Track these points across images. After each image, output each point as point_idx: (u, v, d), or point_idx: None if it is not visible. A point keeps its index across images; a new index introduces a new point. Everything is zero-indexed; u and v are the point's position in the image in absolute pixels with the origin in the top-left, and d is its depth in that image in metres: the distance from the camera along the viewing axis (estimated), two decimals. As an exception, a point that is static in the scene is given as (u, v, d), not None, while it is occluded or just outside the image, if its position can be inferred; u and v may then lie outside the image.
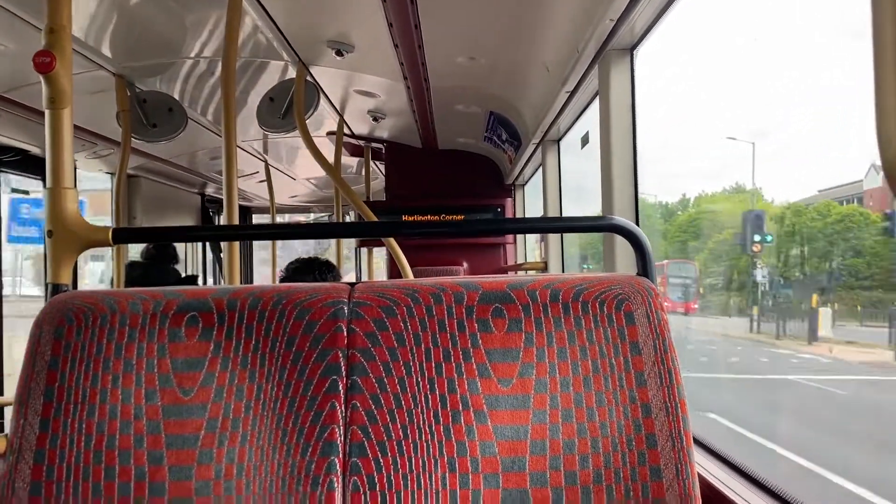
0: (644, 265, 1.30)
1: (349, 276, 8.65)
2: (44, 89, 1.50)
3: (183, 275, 5.51)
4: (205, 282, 7.61)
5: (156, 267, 4.66)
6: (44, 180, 1.52)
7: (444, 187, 5.87)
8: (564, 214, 4.31)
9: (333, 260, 4.05)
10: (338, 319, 1.21)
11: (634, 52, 2.47)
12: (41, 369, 1.18)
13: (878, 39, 0.68)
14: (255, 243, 8.23)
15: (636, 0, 2.06)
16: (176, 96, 3.84)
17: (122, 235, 1.54)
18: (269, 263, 7.49)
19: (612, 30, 2.29)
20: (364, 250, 7.26)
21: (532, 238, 5.93)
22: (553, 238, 4.55)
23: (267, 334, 1.21)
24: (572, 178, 4.30)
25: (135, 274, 4.43)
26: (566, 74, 2.89)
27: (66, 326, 1.20)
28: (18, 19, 2.64)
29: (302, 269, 2.86)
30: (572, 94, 3.08)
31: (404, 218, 5.76)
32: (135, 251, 5.14)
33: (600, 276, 1.25)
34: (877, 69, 0.67)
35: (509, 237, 5.93)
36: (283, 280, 2.70)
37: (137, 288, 1.29)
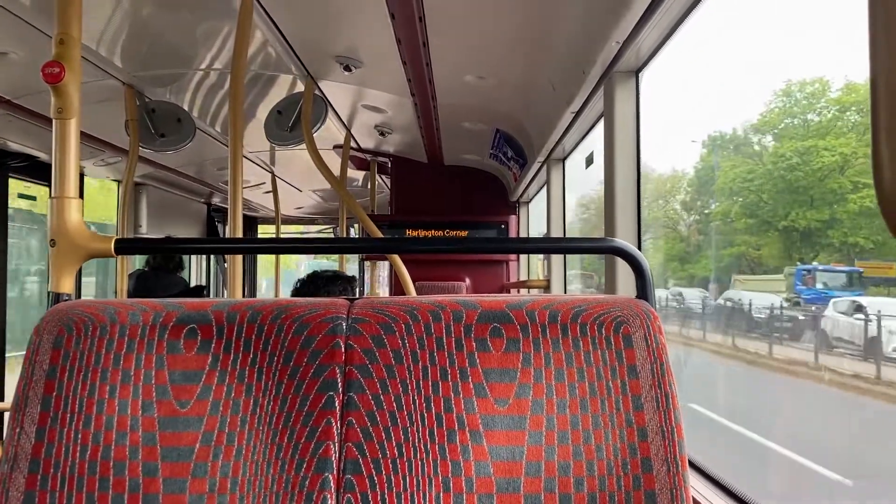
0: (643, 288, 1.30)
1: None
2: (52, 99, 1.52)
3: (192, 284, 5.52)
4: (209, 292, 7.63)
5: (160, 276, 4.66)
6: (51, 187, 1.53)
7: (449, 203, 5.89)
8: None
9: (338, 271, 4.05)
10: (336, 335, 1.21)
11: (640, 75, 2.48)
12: (39, 378, 1.18)
13: (875, 71, 0.68)
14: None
15: (642, 23, 2.07)
16: (185, 107, 3.88)
17: (125, 246, 1.54)
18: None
19: (617, 52, 2.30)
20: (368, 263, 7.28)
21: (536, 255, 5.95)
22: (556, 256, 4.55)
23: (265, 348, 1.21)
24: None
25: (140, 285, 4.43)
26: (572, 95, 2.91)
27: (66, 336, 1.20)
28: (31, 27, 2.67)
29: (307, 284, 2.87)
30: (578, 114, 3.09)
31: (408, 232, 5.77)
32: (140, 258, 5.16)
33: (599, 298, 1.25)
34: (874, 113, 0.67)
35: (513, 254, 5.94)
36: (293, 293, 2.72)
37: (138, 299, 1.29)
